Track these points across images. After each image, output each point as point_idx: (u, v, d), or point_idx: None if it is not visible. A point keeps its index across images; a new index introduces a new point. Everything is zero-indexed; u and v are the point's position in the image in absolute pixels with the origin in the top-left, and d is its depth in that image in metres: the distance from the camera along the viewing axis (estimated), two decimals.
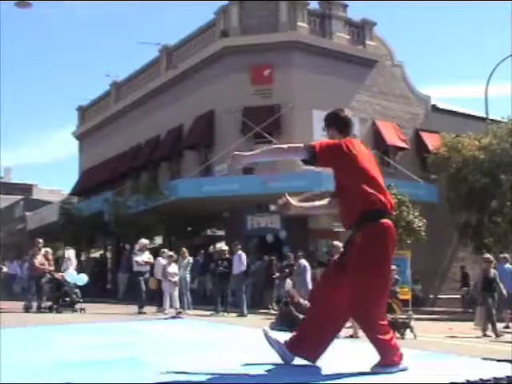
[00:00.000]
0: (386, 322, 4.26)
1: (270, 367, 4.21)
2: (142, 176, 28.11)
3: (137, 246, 16.97)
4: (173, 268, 15.96)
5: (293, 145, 4.28)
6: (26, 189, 52.27)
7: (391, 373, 4.05)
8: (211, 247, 24.35)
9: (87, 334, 6.51)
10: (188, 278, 17.10)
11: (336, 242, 15.34)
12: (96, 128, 34.11)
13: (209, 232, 25.84)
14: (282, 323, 10.52)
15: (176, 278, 15.78)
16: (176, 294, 15.58)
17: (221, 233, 24.55)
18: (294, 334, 4.35)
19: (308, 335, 4.25)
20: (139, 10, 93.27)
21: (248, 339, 4.37)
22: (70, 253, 18.59)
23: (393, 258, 4.28)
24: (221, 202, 21.52)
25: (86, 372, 4.03)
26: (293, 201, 4.43)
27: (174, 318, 13.55)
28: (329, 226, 23.52)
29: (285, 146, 4.29)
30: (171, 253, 16.61)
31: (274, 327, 10.11)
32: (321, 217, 23.82)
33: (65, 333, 6.74)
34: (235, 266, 16.87)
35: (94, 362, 4.41)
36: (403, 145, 25.73)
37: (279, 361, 4.28)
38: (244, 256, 16.76)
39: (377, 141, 25.31)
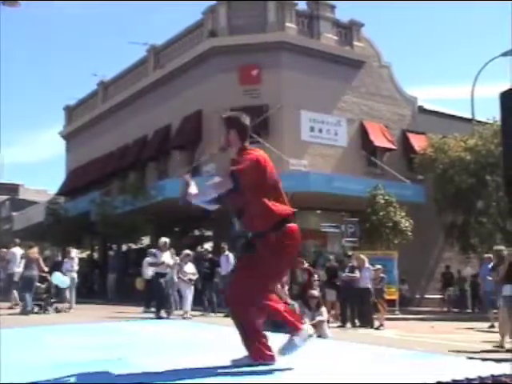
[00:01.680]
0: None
1: (254, 368, 4.23)
2: (130, 176, 28.04)
3: (152, 252, 16.40)
4: (189, 267, 15.47)
5: (221, 181, 4.34)
6: (12, 189, 51.98)
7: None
8: (199, 247, 24.33)
9: (77, 335, 6.51)
10: (175, 279, 17.03)
11: (362, 256, 15.63)
12: (83, 128, 33.96)
13: (197, 232, 25.83)
14: (268, 323, 10.52)
15: (194, 277, 15.45)
16: (191, 294, 15.11)
17: (209, 233, 24.55)
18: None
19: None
20: (127, 10, 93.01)
21: (234, 339, 4.42)
22: (73, 253, 18.37)
23: (293, 258, 4.58)
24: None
25: (75, 372, 4.03)
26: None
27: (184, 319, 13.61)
28: (316, 227, 23.64)
29: (213, 183, 4.40)
30: (188, 251, 16.11)
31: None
32: (309, 217, 23.92)
33: (55, 333, 6.72)
34: (223, 267, 16.86)
35: (82, 362, 4.40)
36: (390, 145, 25.82)
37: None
38: (232, 256, 16.75)
39: (364, 141, 25.39)
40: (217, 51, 24.14)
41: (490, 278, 13.74)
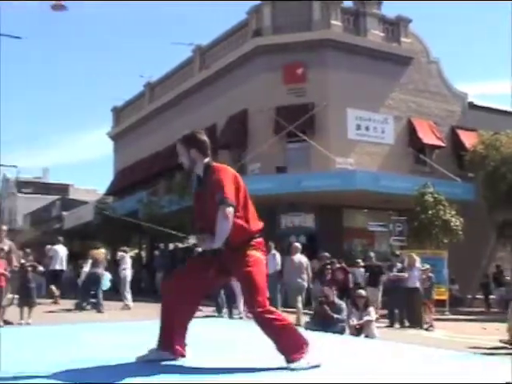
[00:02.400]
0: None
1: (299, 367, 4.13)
2: (176, 176, 28.20)
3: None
4: None
5: (226, 214, 4.17)
6: (62, 189, 52.99)
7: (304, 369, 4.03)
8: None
9: (116, 333, 6.51)
10: None
11: (414, 255, 15.42)
12: (130, 128, 34.38)
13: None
14: (316, 323, 10.43)
15: None
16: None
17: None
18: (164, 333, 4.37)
19: (179, 329, 4.40)
20: (173, 11, 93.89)
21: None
22: (125, 254, 18.67)
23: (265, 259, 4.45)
24: (254, 200, 21.35)
25: (114, 371, 4.01)
26: None
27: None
28: (363, 226, 23.40)
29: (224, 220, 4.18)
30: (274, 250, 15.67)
31: (308, 327, 10.05)
32: (355, 216, 23.71)
33: (98, 331, 6.75)
34: (270, 266, 16.78)
35: (121, 360, 4.38)
36: (439, 143, 25.38)
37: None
38: (278, 256, 16.66)
39: (412, 139, 25.03)
40: (261, 50, 24.10)
41: None
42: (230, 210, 4.11)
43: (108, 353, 4.74)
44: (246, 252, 4.24)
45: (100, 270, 16.62)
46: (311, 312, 12.38)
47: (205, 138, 4.50)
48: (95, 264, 16.71)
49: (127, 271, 17.96)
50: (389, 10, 26.81)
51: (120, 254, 18.86)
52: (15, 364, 4.22)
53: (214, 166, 4.38)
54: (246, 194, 4.39)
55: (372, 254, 17.34)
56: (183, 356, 4.39)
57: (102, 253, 17.40)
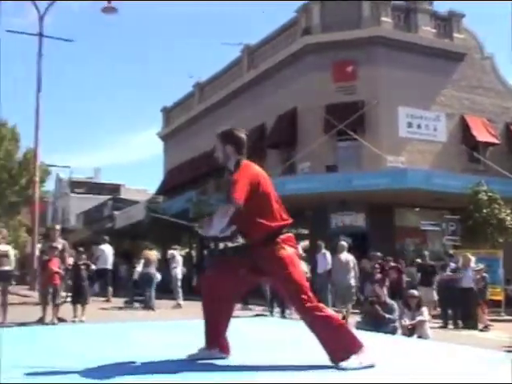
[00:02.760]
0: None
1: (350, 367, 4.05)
2: (225, 175, 28.28)
3: None
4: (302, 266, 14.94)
5: (226, 210, 4.25)
6: (114, 189, 53.77)
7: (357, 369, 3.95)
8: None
9: (167, 332, 6.53)
10: None
11: (469, 255, 15.12)
12: (180, 128, 34.66)
13: (292, 230, 25.70)
14: (367, 323, 10.30)
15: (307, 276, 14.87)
16: None
17: (305, 231, 24.40)
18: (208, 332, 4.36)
19: (220, 327, 4.38)
20: (222, 11, 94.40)
21: None
22: (175, 252, 18.91)
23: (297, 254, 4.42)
24: (304, 200, 21.36)
25: (163, 369, 4.00)
26: None
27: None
28: (416, 224, 23.05)
29: (221, 213, 4.28)
30: (300, 249, 15.66)
31: (359, 327, 9.91)
32: (407, 215, 23.38)
33: (146, 330, 6.78)
34: (320, 265, 16.68)
35: (172, 359, 4.37)
36: (493, 140, 24.84)
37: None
38: (329, 255, 16.53)
39: (465, 136, 24.57)
40: (311, 49, 23.99)
41: None
42: (232, 209, 4.13)
43: (159, 351, 4.75)
44: (275, 252, 4.19)
45: (152, 270, 16.94)
46: (357, 311, 12.24)
47: (242, 135, 4.55)
48: (147, 264, 17.06)
49: (178, 270, 18.14)
50: (441, 6, 26.26)
51: (170, 252, 19.08)
52: (68, 360, 4.26)
53: (240, 164, 4.40)
54: (268, 190, 4.36)
55: (426, 253, 17.04)
56: (227, 354, 4.38)
57: (154, 254, 17.80)
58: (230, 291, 4.36)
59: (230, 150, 4.46)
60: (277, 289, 4.62)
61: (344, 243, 15.33)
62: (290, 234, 4.36)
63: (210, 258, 27.65)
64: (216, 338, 4.36)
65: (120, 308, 16.42)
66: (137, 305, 16.85)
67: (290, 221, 4.40)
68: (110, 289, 18.51)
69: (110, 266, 18.78)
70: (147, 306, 16.10)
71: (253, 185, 4.25)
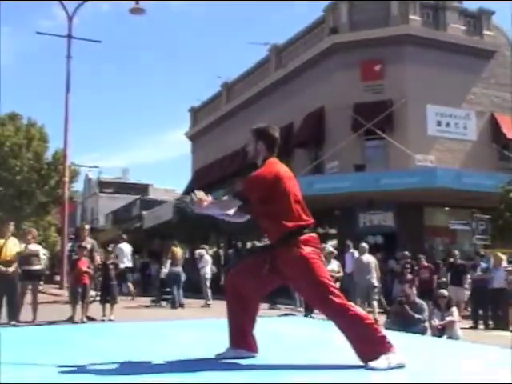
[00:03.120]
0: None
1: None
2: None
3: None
4: (334, 265, 14.33)
5: (228, 201, 4.35)
6: (142, 188, 54.07)
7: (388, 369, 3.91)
8: (323, 245, 24.14)
9: (202, 330, 6.53)
10: None
11: (500, 255, 14.89)
12: (208, 128, 34.77)
13: (320, 230, 25.65)
14: (396, 323, 10.21)
15: (338, 276, 14.11)
16: None
17: (333, 231, 24.31)
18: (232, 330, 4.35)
19: (246, 326, 4.35)
20: (249, 10, 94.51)
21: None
22: (203, 252, 19.00)
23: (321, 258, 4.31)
24: (332, 199, 21.28)
25: (189, 368, 4.01)
26: (205, 197, 4.47)
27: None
28: (445, 224, 22.82)
29: (224, 203, 4.42)
30: (332, 249, 15.18)
31: (387, 326, 9.83)
32: (436, 214, 23.15)
33: (180, 328, 6.80)
34: (348, 265, 16.60)
35: (199, 358, 4.38)
36: None
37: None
38: (357, 254, 16.43)
39: (495, 135, 24.29)
40: (338, 48, 23.90)
41: None
42: (232, 204, 4.26)
43: (186, 350, 4.75)
44: (292, 253, 4.14)
45: (179, 269, 17.07)
46: (381, 311, 12.14)
47: (275, 134, 4.59)
48: (174, 262, 17.17)
49: (206, 269, 18.22)
50: (470, 3, 26.01)
51: (198, 251, 19.15)
52: (97, 359, 4.29)
53: (266, 162, 4.41)
54: (288, 190, 4.30)
55: (456, 252, 16.83)
56: (255, 352, 4.37)
57: (180, 251, 17.87)
58: (254, 290, 4.35)
59: (262, 147, 4.50)
60: (298, 290, 4.56)
61: (365, 245, 15.32)
62: (312, 235, 4.29)
63: (236, 257, 27.71)
64: (242, 338, 4.34)
65: (147, 306, 16.56)
66: (164, 303, 16.98)
67: (311, 221, 4.33)
68: (131, 286, 18.78)
69: (130, 264, 18.98)
70: (174, 304, 16.24)
71: (269, 184, 4.23)
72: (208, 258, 18.76)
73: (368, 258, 14.88)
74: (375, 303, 14.41)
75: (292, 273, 4.18)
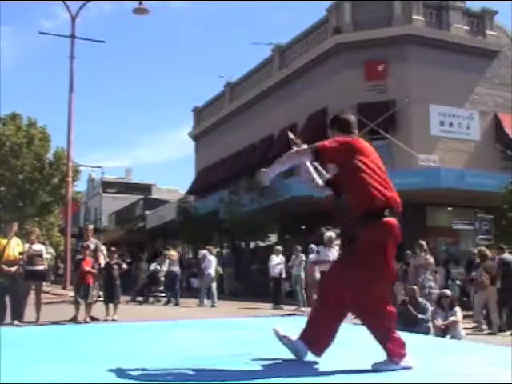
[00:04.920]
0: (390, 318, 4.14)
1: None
2: (256, 174, 28.28)
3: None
4: (332, 253, 13.97)
5: (300, 148, 4.33)
6: (145, 188, 54.10)
7: (394, 370, 3.96)
8: (324, 231, 24.14)
9: (205, 330, 6.54)
10: (302, 276, 17.01)
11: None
12: (211, 128, 34.77)
13: (323, 230, 25.64)
14: (400, 323, 10.19)
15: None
16: None
17: (336, 231, 24.30)
18: (309, 328, 4.25)
19: (321, 330, 4.21)
20: (252, 10, 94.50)
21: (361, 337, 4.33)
22: (207, 253, 19.06)
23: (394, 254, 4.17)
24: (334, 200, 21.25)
25: (204, 367, 4.01)
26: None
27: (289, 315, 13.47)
28: (448, 224, 22.79)
29: (293, 150, 4.36)
30: (333, 235, 14.80)
31: None
32: (439, 214, 23.11)
33: (183, 328, 6.81)
34: None
35: (211, 357, 4.39)
36: None
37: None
38: None
39: (498, 135, 24.25)
40: (342, 48, 23.88)
41: None
42: (299, 154, 4.24)
43: (194, 350, 4.76)
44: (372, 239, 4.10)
45: (176, 269, 18.33)
46: None
47: (344, 116, 4.60)
48: (172, 263, 18.43)
49: (210, 270, 18.36)
50: (473, 3, 26.00)
51: (202, 252, 19.23)
52: (100, 359, 4.30)
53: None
54: (374, 161, 4.27)
55: (475, 251, 16.61)
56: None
57: (175, 253, 19.27)
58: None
59: (335, 133, 4.49)
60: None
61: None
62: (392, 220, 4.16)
63: (232, 257, 27.80)
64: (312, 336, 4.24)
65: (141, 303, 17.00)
66: (151, 300, 18.61)
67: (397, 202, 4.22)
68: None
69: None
70: (174, 302, 17.42)
71: (351, 149, 4.20)
72: (211, 259, 18.78)
73: None
74: None
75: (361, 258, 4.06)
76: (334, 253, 13.40)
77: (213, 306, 17.26)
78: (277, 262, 17.95)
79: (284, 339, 4.28)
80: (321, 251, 13.78)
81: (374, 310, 4.10)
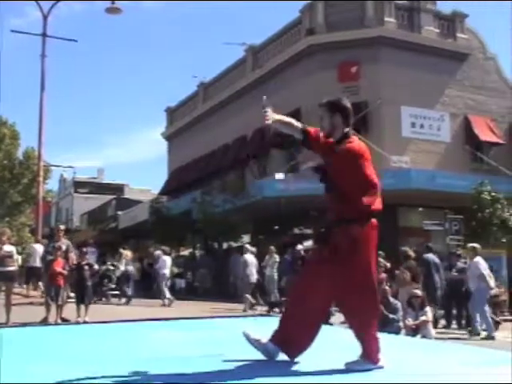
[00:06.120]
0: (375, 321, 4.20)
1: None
2: (229, 175, 28.32)
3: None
4: None
5: (296, 123, 4.37)
6: (117, 189, 53.72)
7: (368, 370, 4.01)
8: (299, 246, 24.21)
9: (175, 330, 6.53)
10: (275, 277, 17.05)
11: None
12: (184, 128, 34.67)
13: (296, 231, 25.73)
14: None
15: None
16: None
17: (309, 231, 24.40)
18: (281, 330, 4.24)
19: (294, 330, 4.18)
20: (225, 11, 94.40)
21: (340, 338, 4.35)
22: (161, 253, 19.67)
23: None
24: (308, 200, 21.31)
25: (173, 368, 4.01)
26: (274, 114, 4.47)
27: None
28: (419, 225, 23.01)
29: (292, 121, 4.43)
30: (302, 248, 15.03)
31: None
32: (410, 215, 23.33)
33: (153, 328, 6.79)
34: None
35: (182, 357, 4.39)
36: (497, 140, 24.82)
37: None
38: None
39: (469, 136, 24.57)
40: (315, 49, 23.99)
41: None
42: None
43: (168, 350, 4.75)
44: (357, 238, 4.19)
45: (131, 268, 19.70)
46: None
47: (349, 105, 4.48)
48: (127, 263, 19.63)
49: (164, 270, 18.88)
50: (444, 6, 26.30)
51: (157, 253, 19.84)
52: (71, 360, 4.27)
53: (348, 137, 4.31)
54: (371, 169, 4.33)
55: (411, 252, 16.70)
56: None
57: (129, 253, 20.38)
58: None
59: (338, 120, 4.38)
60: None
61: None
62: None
63: (206, 258, 27.79)
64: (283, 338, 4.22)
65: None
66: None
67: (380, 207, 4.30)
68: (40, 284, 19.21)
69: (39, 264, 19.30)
70: (128, 299, 18.48)
71: (361, 159, 4.23)
72: (166, 259, 19.18)
73: None
74: None
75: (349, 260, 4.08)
76: None
77: (164, 305, 17.67)
78: (252, 271, 17.42)
79: (255, 342, 4.26)
80: None
81: (367, 307, 4.12)
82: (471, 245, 14.10)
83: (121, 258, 19.98)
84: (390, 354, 4.36)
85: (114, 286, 19.86)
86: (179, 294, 21.76)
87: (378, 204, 4.28)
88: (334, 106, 4.44)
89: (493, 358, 5.01)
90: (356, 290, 4.08)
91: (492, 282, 13.14)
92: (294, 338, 4.20)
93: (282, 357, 4.27)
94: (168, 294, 18.20)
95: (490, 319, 12.83)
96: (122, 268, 19.51)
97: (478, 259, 13.24)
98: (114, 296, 19.55)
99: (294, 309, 4.25)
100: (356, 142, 4.26)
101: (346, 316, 4.36)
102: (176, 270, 26.44)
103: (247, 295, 16.48)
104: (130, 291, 18.97)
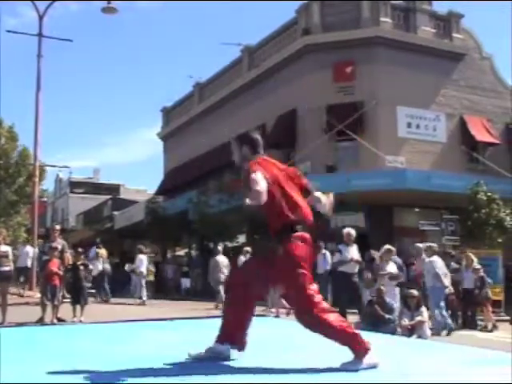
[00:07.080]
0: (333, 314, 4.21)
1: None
2: (225, 175, 28.29)
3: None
4: (391, 267, 12.31)
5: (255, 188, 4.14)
6: (113, 189, 53.67)
7: (362, 369, 3.99)
8: None
9: (173, 330, 6.53)
10: None
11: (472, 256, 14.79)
12: (180, 129, 34.64)
13: None
14: (367, 323, 10.29)
15: None
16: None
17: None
18: (226, 328, 4.35)
19: (237, 326, 4.34)
20: (221, 11, 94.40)
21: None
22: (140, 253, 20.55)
23: (310, 260, 4.34)
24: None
25: (161, 368, 4.01)
26: None
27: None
28: (415, 225, 23.05)
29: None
30: (389, 246, 12.87)
31: (358, 327, 9.90)
32: (406, 215, 23.36)
33: (149, 329, 6.78)
34: (319, 266, 16.68)
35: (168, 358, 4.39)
36: (493, 140, 24.86)
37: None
38: (329, 255, 16.53)
39: (464, 137, 24.61)
40: (311, 49, 23.99)
41: None
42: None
43: (162, 351, 4.74)
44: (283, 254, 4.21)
45: (106, 266, 20.17)
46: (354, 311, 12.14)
47: (257, 136, 4.64)
48: (105, 261, 20.20)
49: (141, 268, 19.79)
50: (440, 6, 26.32)
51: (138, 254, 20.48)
52: (67, 360, 4.26)
53: (252, 161, 4.39)
54: (280, 184, 4.35)
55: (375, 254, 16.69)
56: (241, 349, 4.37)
57: (105, 252, 20.76)
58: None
59: (247, 151, 4.54)
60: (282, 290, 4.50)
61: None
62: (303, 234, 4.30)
63: (200, 258, 27.90)
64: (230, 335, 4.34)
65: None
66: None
67: (305, 217, 4.32)
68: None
69: (29, 264, 19.61)
70: (107, 298, 19.24)
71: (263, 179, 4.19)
72: (142, 258, 20.10)
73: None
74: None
75: (277, 272, 4.21)
76: (353, 251, 12.20)
77: (143, 303, 18.56)
78: (223, 271, 17.67)
79: (201, 354, 4.32)
80: (342, 250, 12.35)
81: (317, 320, 4.11)
82: (428, 244, 14.07)
83: (97, 257, 20.11)
84: (386, 355, 4.37)
85: (90, 285, 20.00)
86: (182, 295, 22.19)
87: (298, 217, 4.27)
88: (240, 138, 4.65)
89: (492, 358, 5.01)
90: (288, 287, 4.26)
91: (447, 281, 13.01)
92: (237, 332, 4.34)
93: (266, 357, 4.26)
94: (144, 295, 19.18)
95: (446, 315, 12.73)
96: (100, 267, 19.65)
97: (435, 258, 13.07)
98: (91, 295, 19.56)
99: (234, 306, 4.35)
100: (253, 167, 4.23)
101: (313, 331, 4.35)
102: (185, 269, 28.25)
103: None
104: (104, 290, 19.62)
